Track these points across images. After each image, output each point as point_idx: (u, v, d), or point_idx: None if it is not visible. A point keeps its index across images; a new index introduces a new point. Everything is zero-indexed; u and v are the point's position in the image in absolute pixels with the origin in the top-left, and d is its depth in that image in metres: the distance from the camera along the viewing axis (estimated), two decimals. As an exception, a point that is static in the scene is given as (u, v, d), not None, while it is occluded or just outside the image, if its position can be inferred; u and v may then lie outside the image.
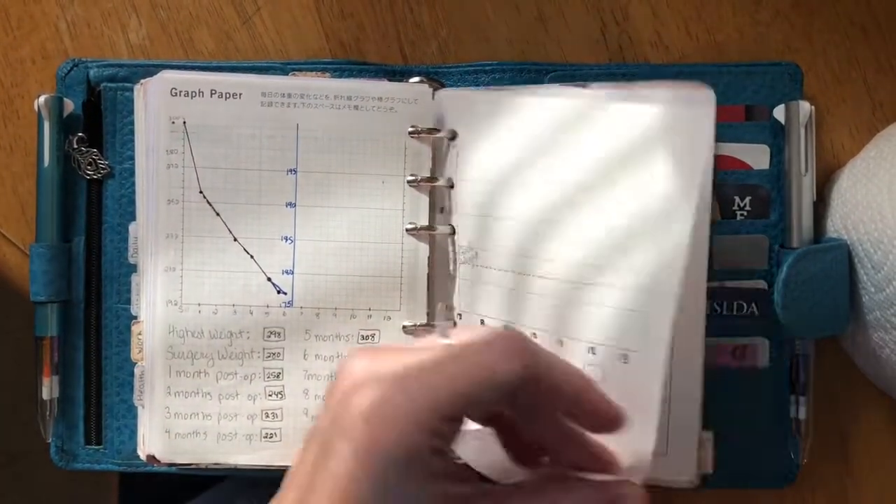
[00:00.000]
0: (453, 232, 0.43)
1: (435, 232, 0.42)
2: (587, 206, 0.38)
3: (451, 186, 0.43)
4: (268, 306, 0.42)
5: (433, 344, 0.33)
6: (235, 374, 0.42)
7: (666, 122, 0.35)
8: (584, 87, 0.41)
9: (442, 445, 0.31)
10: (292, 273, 0.42)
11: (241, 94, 0.41)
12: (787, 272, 0.41)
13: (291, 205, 0.42)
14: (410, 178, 0.42)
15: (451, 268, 0.43)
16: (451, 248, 0.43)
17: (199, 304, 0.42)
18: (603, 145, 0.38)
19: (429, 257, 0.42)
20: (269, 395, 0.42)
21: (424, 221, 0.42)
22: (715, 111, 0.34)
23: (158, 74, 0.42)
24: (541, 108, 0.40)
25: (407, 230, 0.42)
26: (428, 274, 0.43)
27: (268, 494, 0.34)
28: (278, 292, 0.42)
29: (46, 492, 0.48)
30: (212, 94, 0.41)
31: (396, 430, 0.30)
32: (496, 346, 0.32)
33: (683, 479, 0.40)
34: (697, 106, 0.34)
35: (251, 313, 0.42)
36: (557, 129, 0.39)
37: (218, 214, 0.42)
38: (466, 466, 0.35)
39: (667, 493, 0.45)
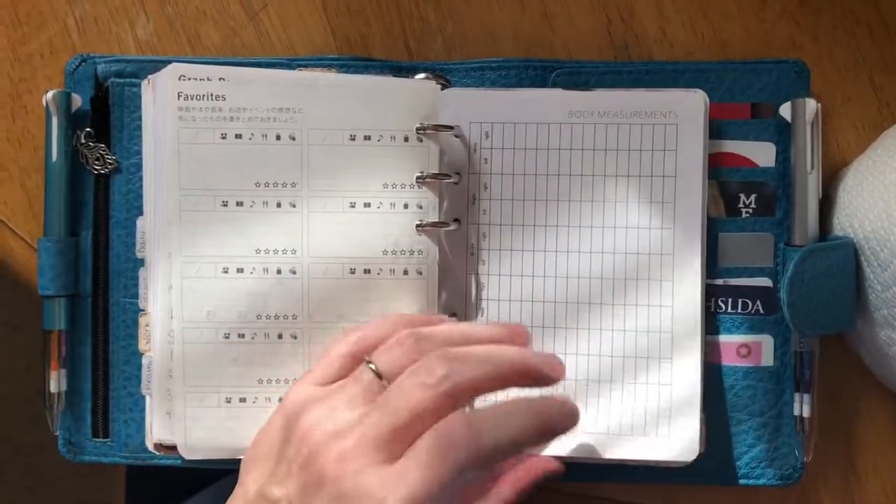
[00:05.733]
0: (459, 226, 0.43)
1: (444, 228, 0.42)
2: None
3: (457, 183, 0.43)
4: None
5: None
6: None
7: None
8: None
9: None
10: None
11: (248, 87, 0.42)
12: (794, 270, 0.41)
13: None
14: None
15: (462, 263, 0.43)
16: (461, 243, 0.43)
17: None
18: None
19: (438, 253, 0.43)
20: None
21: (433, 218, 0.42)
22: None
23: (168, 65, 0.42)
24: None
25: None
26: (438, 270, 0.43)
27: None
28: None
29: (54, 484, 0.48)
30: (220, 88, 0.41)
31: None
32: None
33: (684, 459, 0.42)
34: (692, 105, 0.42)
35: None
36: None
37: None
38: None
39: (671, 490, 0.45)
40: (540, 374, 0.37)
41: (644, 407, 0.42)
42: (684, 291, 0.42)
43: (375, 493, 0.34)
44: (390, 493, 0.33)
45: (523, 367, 0.36)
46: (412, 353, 0.37)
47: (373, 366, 0.37)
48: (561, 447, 0.42)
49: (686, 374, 0.42)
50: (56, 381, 0.44)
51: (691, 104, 0.42)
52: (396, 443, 0.35)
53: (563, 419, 0.37)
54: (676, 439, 0.42)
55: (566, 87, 0.43)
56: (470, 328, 0.39)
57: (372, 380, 0.36)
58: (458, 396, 0.35)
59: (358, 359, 0.38)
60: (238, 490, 0.38)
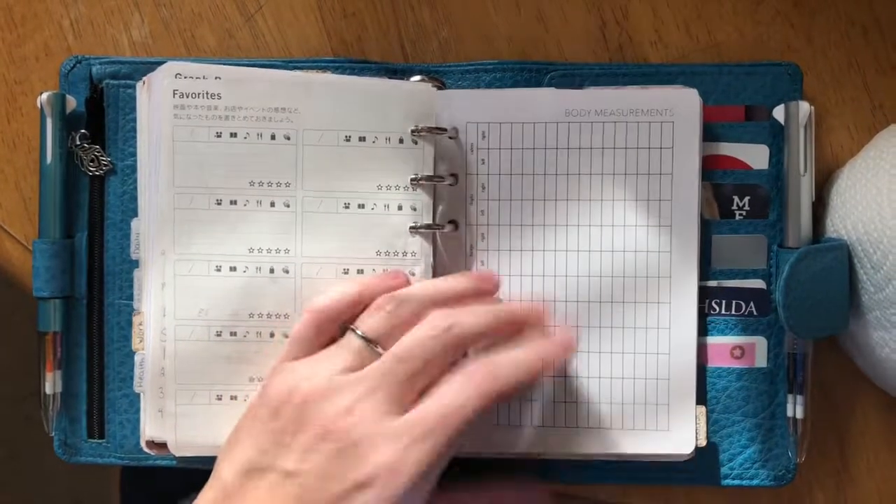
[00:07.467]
0: (456, 228, 0.43)
1: (439, 230, 0.43)
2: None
3: (453, 185, 0.43)
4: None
5: None
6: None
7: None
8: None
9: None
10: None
11: (244, 86, 0.42)
12: (789, 271, 0.41)
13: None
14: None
15: (460, 263, 0.43)
16: (459, 244, 0.43)
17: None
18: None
19: (433, 255, 0.43)
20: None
21: (428, 220, 0.42)
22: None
23: (164, 64, 0.42)
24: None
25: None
26: (435, 271, 0.43)
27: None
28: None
29: (49, 485, 0.48)
30: (215, 86, 0.42)
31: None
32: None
33: (683, 453, 0.43)
34: (687, 103, 0.42)
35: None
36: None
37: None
38: None
39: (666, 491, 0.45)
40: (527, 322, 0.40)
41: (643, 401, 0.42)
42: (682, 286, 0.42)
43: (394, 434, 0.35)
44: (406, 434, 0.35)
45: (512, 317, 0.40)
46: (395, 317, 0.38)
47: (359, 331, 0.38)
48: (559, 443, 0.43)
49: (683, 367, 0.42)
50: (51, 383, 0.44)
51: (686, 101, 0.42)
52: (407, 392, 0.36)
53: (558, 352, 0.41)
54: (674, 433, 0.42)
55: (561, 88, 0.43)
56: (441, 282, 0.40)
57: (362, 345, 0.38)
58: (462, 345, 0.38)
59: (323, 328, 0.39)
60: (211, 481, 0.37)
